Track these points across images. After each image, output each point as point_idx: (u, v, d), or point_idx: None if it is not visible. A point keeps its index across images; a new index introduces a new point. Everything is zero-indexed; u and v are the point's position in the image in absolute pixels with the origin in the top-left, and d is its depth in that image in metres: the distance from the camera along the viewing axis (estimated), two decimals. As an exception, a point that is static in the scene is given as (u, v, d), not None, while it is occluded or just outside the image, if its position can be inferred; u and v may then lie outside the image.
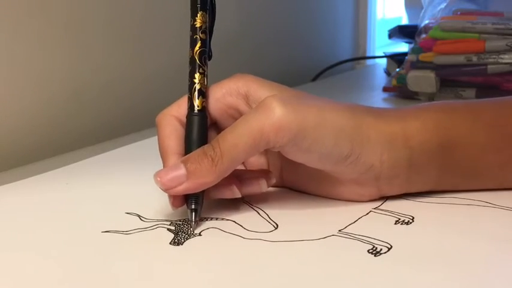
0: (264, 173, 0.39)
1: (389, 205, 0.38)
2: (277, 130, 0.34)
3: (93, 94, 0.64)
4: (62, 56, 0.60)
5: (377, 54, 1.27)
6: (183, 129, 0.38)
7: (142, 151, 0.55)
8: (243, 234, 0.34)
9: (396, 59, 0.92)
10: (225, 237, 0.34)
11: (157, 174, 0.35)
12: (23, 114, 0.57)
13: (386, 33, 0.99)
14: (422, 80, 0.75)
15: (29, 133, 0.58)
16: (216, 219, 0.37)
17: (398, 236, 0.34)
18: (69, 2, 0.60)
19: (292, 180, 0.41)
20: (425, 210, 0.37)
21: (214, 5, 0.40)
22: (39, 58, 0.58)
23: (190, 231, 0.35)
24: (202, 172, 0.34)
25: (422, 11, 0.84)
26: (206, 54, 0.39)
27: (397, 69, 0.83)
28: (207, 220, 0.36)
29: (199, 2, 0.39)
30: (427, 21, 0.79)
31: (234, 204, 0.39)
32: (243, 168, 0.41)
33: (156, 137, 0.39)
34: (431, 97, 0.75)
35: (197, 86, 0.38)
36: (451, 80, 0.74)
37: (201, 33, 0.39)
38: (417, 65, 0.76)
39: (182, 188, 0.34)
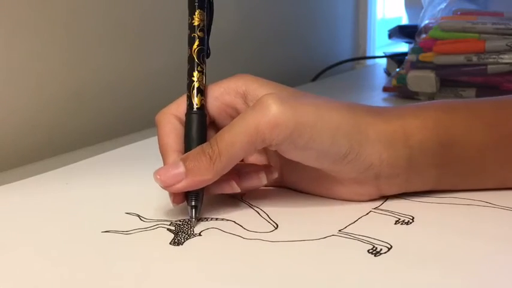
0: (265, 167, 0.39)
1: (389, 205, 0.38)
2: (272, 127, 0.34)
3: (93, 94, 0.64)
4: (62, 56, 0.60)
5: (377, 54, 1.27)
6: (182, 127, 0.38)
7: (142, 151, 0.55)
8: (243, 234, 0.34)
9: (396, 59, 0.92)
10: (225, 237, 0.34)
11: (156, 172, 0.35)
12: (23, 114, 0.57)
13: (386, 33, 0.99)
14: (422, 80, 0.75)
15: (29, 133, 0.58)
16: (216, 219, 0.37)
17: (398, 236, 0.33)
18: (69, 2, 0.60)
19: (292, 180, 0.41)
20: (425, 210, 0.37)
21: (212, 3, 0.40)
22: (39, 58, 0.58)
23: (191, 231, 0.35)
24: (200, 170, 0.34)
25: (422, 11, 0.84)
26: (204, 52, 0.39)
27: (397, 69, 0.83)
28: (207, 220, 0.36)
29: (196, 0, 0.39)
30: (427, 21, 0.78)
31: (234, 205, 0.39)
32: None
33: (156, 137, 0.39)
34: (431, 97, 0.75)
35: (196, 84, 0.38)
36: (451, 80, 0.74)
37: (199, 31, 0.39)
38: (417, 65, 0.76)
39: (181, 186, 0.34)
